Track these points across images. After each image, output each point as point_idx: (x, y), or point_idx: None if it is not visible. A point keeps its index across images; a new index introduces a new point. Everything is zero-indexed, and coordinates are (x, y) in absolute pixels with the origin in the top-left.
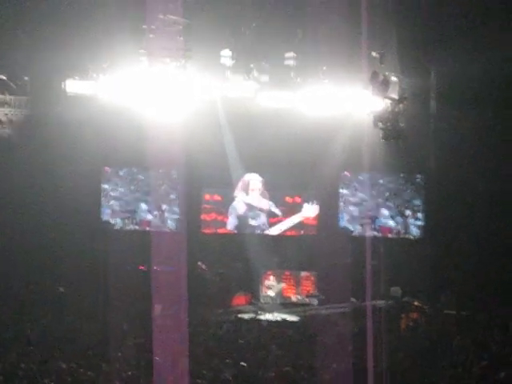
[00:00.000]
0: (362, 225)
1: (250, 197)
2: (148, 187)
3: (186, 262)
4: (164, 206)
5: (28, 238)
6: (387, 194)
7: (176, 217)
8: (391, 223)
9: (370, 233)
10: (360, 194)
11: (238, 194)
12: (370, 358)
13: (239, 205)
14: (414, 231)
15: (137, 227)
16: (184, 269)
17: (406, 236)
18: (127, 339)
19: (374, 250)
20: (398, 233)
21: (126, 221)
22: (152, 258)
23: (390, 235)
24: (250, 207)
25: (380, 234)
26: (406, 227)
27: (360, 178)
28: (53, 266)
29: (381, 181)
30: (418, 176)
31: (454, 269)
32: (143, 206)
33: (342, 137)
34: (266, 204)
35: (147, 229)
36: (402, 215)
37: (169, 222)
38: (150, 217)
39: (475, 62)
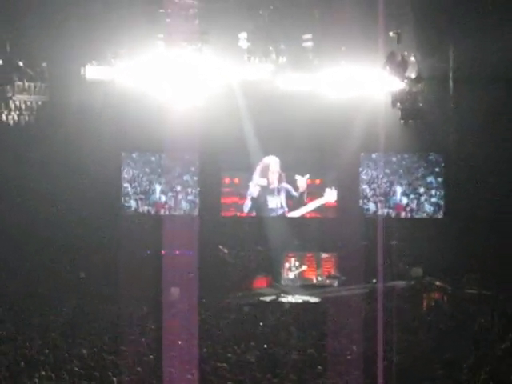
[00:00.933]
0: (376, 203)
1: (265, 179)
2: (163, 170)
3: (203, 245)
4: (178, 188)
5: (48, 225)
6: (400, 171)
7: (191, 198)
8: (404, 200)
9: (383, 211)
10: (376, 174)
11: (253, 177)
12: (391, 339)
13: (253, 187)
14: (428, 208)
15: (150, 208)
16: (201, 253)
17: (419, 214)
18: (148, 323)
19: (394, 230)
20: (412, 210)
21: (140, 202)
22: (170, 243)
23: (403, 213)
24: (266, 190)
25: (394, 212)
26: (419, 204)
27: (377, 158)
28: (73, 252)
29: (394, 159)
30: (432, 154)
31: (476, 248)
32: (157, 187)
33: (361, 118)
34: (284, 186)
35: (162, 212)
36: (416, 193)
37: (183, 203)
38: (163, 198)
39: (493, 41)
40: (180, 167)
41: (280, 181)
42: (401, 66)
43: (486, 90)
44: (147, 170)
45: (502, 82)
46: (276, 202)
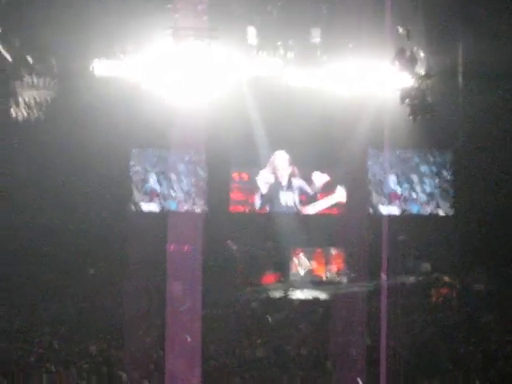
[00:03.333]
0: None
1: (272, 175)
2: (171, 165)
3: (212, 241)
4: (173, 177)
5: (57, 221)
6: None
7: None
8: (398, 189)
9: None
10: (380, 170)
11: (260, 173)
12: (399, 335)
13: (262, 184)
14: (422, 197)
15: (145, 197)
16: (209, 248)
17: (427, 210)
18: (156, 319)
19: (403, 226)
20: (405, 199)
21: (135, 191)
22: (179, 239)
23: (397, 201)
24: (277, 185)
25: (387, 201)
26: (414, 193)
27: (386, 155)
28: (82, 248)
29: (403, 155)
30: (441, 150)
31: (485, 244)
32: (153, 176)
33: (370, 114)
34: (296, 182)
35: (156, 200)
36: (409, 182)
37: (177, 194)
38: (158, 187)
39: (503, 37)
40: (189, 163)
41: (292, 176)
42: (410, 62)
43: (495, 86)
44: (156, 166)
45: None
46: (288, 199)
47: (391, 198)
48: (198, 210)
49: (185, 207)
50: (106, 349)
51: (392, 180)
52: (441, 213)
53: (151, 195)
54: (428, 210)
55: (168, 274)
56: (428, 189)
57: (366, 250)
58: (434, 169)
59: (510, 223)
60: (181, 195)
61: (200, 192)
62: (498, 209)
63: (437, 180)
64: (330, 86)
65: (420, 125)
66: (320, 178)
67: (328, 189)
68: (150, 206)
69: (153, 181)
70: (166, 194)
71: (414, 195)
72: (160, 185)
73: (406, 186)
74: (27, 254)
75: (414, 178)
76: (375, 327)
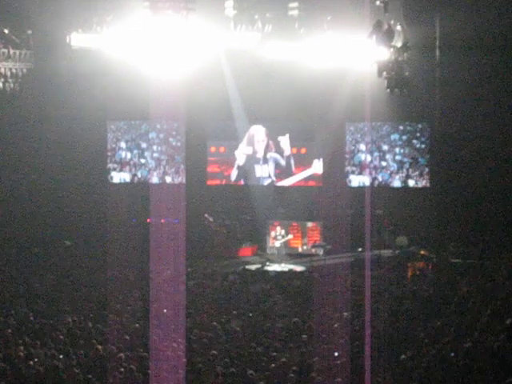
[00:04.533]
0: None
1: (250, 148)
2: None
3: (189, 214)
4: (143, 145)
5: (32, 193)
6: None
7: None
8: (368, 158)
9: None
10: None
11: (239, 146)
12: (376, 308)
13: (239, 156)
14: (392, 166)
15: (115, 165)
16: (187, 221)
17: (400, 182)
18: (133, 291)
19: (379, 199)
20: (375, 167)
21: (108, 161)
22: (156, 211)
23: (367, 170)
24: (253, 158)
25: (357, 170)
26: (388, 164)
27: (362, 127)
28: (58, 220)
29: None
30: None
31: (461, 217)
32: (122, 144)
33: (347, 87)
34: (272, 155)
35: (127, 169)
36: (383, 153)
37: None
38: (128, 155)
39: (480, 10)
40: (165, 134)
41: (268, 150)
42: (387, 35)
43: (472, 59)
44: (132, 137)
45: (489, 50)
46: (263, 171)
47: (364, 168)
48: (175, 181)
49: (165, 179)
50: (82, 320)
51: (366, 151)
52: (416, 185)
53: (122, 164)
54: (375, 167)
55: (151, 246)
56: (402, 160)
57: (342, 222)
58: (410, 141)
59: (487, 197)
60: (153, 165)
61: (177, 164)
62: (474, 182)
63: (412, 151)
64: (307, 58)
65: (397, 97)
66: (286, 142)
67: (305, 162)
68: (121, 175)
69: (124, 150)
70: (136, 163)
71: (388, 166)
72: (132, 154)
73: (378, 156)
74: (4, 226)
75: (389, 149)
76: (351, 300)
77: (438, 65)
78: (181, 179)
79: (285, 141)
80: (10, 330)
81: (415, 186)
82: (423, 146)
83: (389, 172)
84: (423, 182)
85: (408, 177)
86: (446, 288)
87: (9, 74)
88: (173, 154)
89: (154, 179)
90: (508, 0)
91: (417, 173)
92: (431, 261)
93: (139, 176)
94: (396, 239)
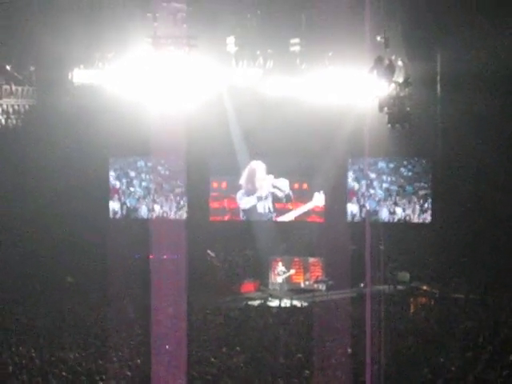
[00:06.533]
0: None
1: (250, 184)
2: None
3: (192, 249)
4: (132, 174)
5: (36, 230)
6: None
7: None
8: (356, 185)
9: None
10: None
11: (240, 181)
12: (379, 343)
13: (242, 202)
14: (379, 194)
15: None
16: (189, 257)
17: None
18: (135, 328)
19: (382, 235)
20: (363, 195)
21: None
22: (158, 247)
23: (355, 198)
24: (257, 199)
25: (346, 197)
26: (370, 189)
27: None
28: (61, 257)
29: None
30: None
31: (463, 253)
32: (112, 173)
33: (348, 122)
34: (271, 190)
35: (116, 198)
36: (367, 178)
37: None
38: (118, 184)
39: (481, 46)
40: (168, 171)
41: (268, 186)
42: (388, 70)
43: (473, 94)
44: (135, 174)
45: (490, 86)
46: (264, 207)
47: (352, 196)
48: (178, 217)
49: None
50: (84, 357)
51: (368, 187)
52: (419, 221)
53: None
54: (363, 195)
55: (152, 281)
56: (405, 196)
57: (344, 258)
58: (412, 176)
59: (489, 232)
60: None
61: (179, 200)
62: (477, 218)
63: (414, 187)
64: (309, 94)
65: (398, 133)
66: (286, 183)
67: (305, 198)
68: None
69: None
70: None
71: (350, 181)
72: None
73: (348, 174)
74: (3, 261)
75: (390, 185)
76: (354, 336)
77: (439, 100)
78: (184, 214)
79: (284, 182)
80: (11, 367)
81: (417, 221)
82: (425, 181)
83: (376, 199)
84: (382, 196)
85: (395, 204)
86: (449, 324)
87: (11, 110)
88: (161, 182)
89: (143, 208)
90: (508, 35)
91: (420, 209)
92: (434, 296)
93: (128, 205)
94: (398, 274)
